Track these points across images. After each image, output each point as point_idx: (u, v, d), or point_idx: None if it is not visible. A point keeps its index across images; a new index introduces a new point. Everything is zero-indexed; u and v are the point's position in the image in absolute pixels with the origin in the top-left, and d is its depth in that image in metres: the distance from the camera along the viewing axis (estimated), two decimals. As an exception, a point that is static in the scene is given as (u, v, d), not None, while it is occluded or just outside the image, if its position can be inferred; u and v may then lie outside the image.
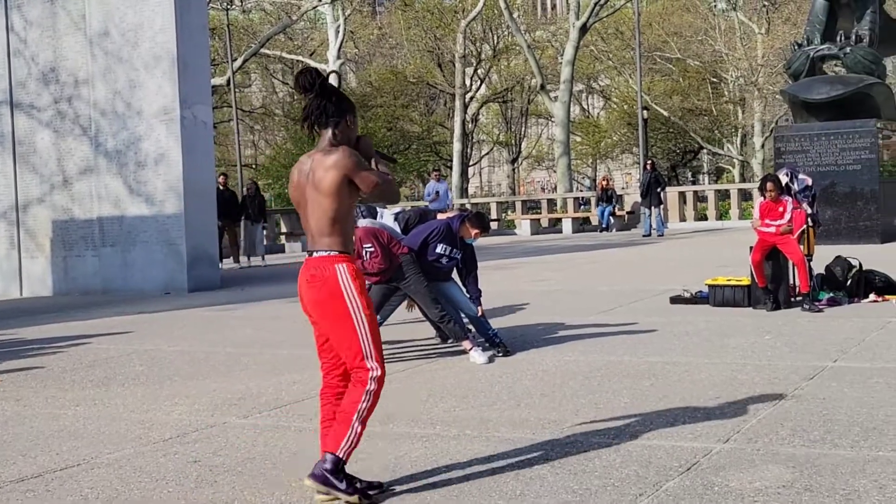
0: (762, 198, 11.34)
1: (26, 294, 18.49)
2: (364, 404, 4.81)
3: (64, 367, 9.56)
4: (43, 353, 10.56)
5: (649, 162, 28.74)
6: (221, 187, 23.76)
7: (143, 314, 13.89)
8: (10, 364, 9.89)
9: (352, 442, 4.79)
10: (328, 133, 4.88)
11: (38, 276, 18.48)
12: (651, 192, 26.44)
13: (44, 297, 17.85)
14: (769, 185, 11.17)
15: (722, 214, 32.56)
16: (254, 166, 59.51)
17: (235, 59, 44.26)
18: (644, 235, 26.31)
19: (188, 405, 7.45)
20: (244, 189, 27.38)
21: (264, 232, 25.50)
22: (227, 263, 23.26)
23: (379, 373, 4.81)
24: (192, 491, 5.20)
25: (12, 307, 16.45)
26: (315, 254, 4.83)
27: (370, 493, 4.87)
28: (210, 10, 34.39)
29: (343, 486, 4.77)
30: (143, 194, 17.39)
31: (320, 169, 4.75)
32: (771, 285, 11.07)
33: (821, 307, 10.88)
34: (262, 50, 48.91)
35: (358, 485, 4.85)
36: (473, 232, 8.95)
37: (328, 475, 4.76)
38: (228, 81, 43.27)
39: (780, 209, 11.02)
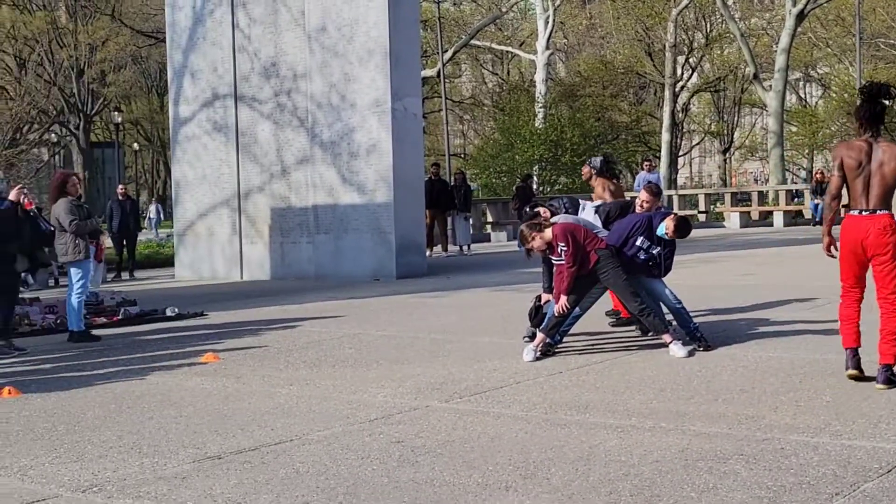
0: None
1: (246, 278, 19.45)
2: None
3: (279, 348, 10.10)
4: (260, 334, 11.18)
5: None
6: (433, 177, 24.27)
7: (354, 299, 14.43)
8: (231, 343, 10.54)
9: None
10: None
11: (258, 261, 19.42)
12: None
13: (262, 281, 18.75)
14: None
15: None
16: (462, 156, 60.36)
17: (446, 51, 45.04)
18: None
19: (393, 388, 7.77)
20: (452, 179, 27.86)
21: (470, 222, 25.87)
22: (436, 252, 23.75)
23: None
24: (395, 469, 5.48)
25: (234, 290, 17.37)
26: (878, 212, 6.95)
27: None
28: (422, 2, 35.11)
29: None
30: (355, 184, 18.03)
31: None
32: None
33: None
34: (472, 41, 49.59)
35: None
36: (668, 223, 8.88)
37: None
38: (439, 73, 44.07)
39: None
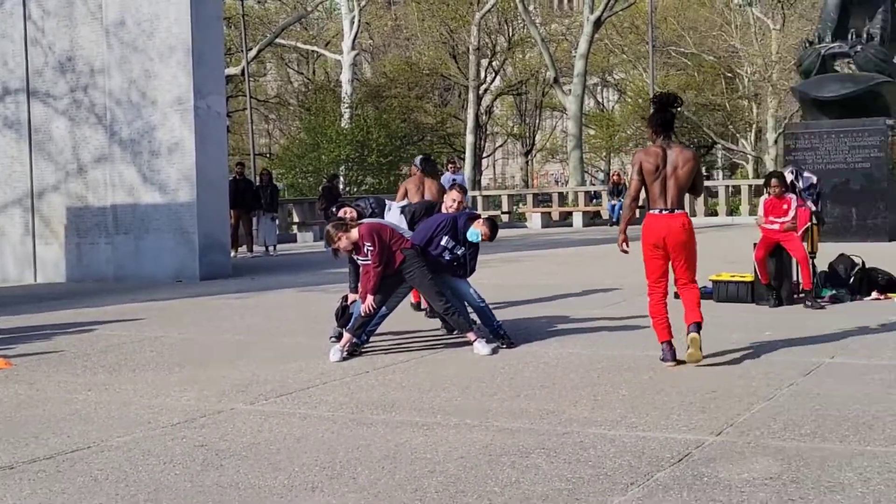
0: (766, 195, 11.43)
1: (40, 280, 18.69)
2: None
3: (76, 352, 9.74)
4: (56, 338, 10.75)
5: None
6: (238, 176, 23.93)
7: (155, 301, 14.07)
8: (24, 348, 10.08)
9: None
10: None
11: (52, 263, 18.68)
12: None
13: (57, 284, 18.06)
14: (773, 182, 11.27)
15: (732, 210, 32.59)
16: (268, 155, 59.70)
17: (250, 49, 44.43)
18: None
19: (196, 391, 7.62)
20: (258, 178, 27.53)
21: (276, 222, 25.64)
22: (241, 252, 23.43)
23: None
24: (199, 474, 5.37)
25: (26, 293, 16.66)
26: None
27: None
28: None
29: None
30: (156, 183, 17.57)
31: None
32: (774, 282, 11.21)
33: (823, 304, 11.00)
34: (277, 40, 49.11)
35: None
36: (482, 229, 9.04)
37: None
38: (243, 71, 43.43)
39: (784, 206, 11.12)
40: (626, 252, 8.01)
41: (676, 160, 7.76)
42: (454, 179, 24.39)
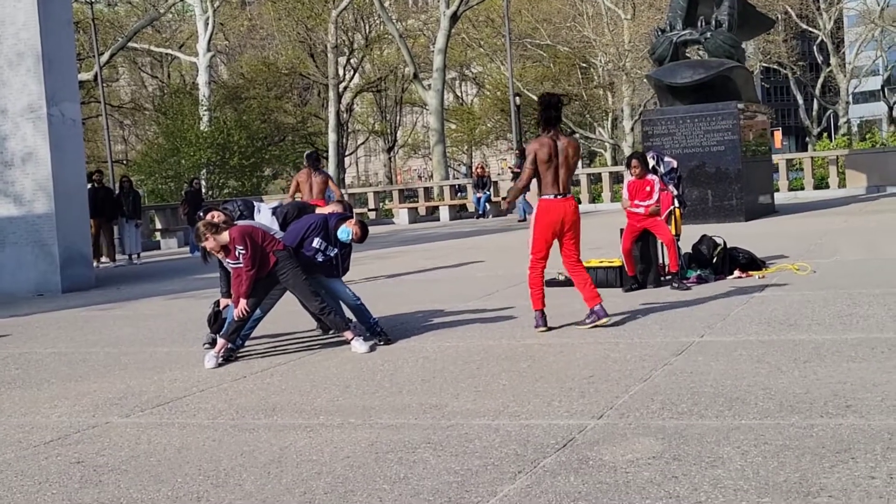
0: (630, 177, 11.61)
1: None
2: None
3: (-64, 374, 9.34)
4: (-88, 361, 10.28)
5: (518, 150, 29.58)
6: (96, 185, 23.32)
7: (16, 317, 13.60)
8: None
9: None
10: None
11: None
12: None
13: None
14: (634, 163, 11.43)
15: (595, 198, 33.23)
16: (125, 162, 58.32)
17: (102, 54, 43.30)
18: (520, 220, 26.81)
19: (68, 407, 7.39)
20: (117, 186, 26.86)
21: (139, 229, 25.07)
22: (104, 262, 22.85)
23: None
24: (77, 492, 5.20)
25: None
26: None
27: None
28: (74, 3, 33.62)
29: None
30: (11, 195, 16.98)
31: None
32: (641, 266, 11.44)
33: (689, 285, 11.29)
34: (130, 43, 48.01)
35: None
36: (353, 228, 9.01)
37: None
38: (95, 76, 42.30)
39: (647, 188, 11.27)
40: (507, 209, 9.59)
41: (566, 150, 8.70)
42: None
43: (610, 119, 57.19)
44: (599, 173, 35.25)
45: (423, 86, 44.97)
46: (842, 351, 7.17)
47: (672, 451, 5.05)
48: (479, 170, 33.73)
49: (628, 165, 11.63)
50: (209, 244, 8.55)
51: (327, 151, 49.26)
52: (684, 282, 11.33)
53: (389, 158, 69.85)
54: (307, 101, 63.00)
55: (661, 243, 11.58)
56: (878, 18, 56.90)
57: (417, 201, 37.03)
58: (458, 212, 33.84)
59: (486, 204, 31.84)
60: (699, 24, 22.04)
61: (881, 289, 9.98)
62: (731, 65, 21.43)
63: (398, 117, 68.13)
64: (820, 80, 64.97)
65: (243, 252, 8.39)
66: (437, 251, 19.28)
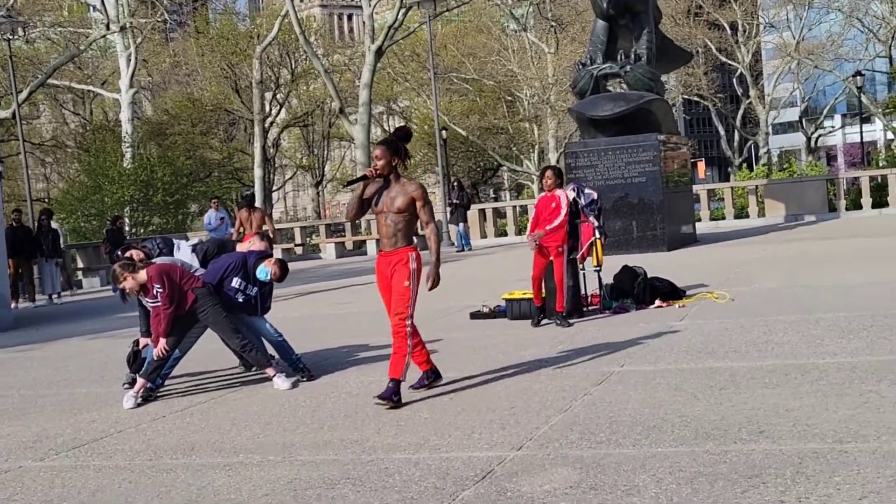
0: (542, 192, 11.22)
1: None
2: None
3: None
4: None
5: (456, 182, 30.18)
6: (15, 224, 22.92)
7: (-69, 360, 13.27)
8: None
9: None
10: None
11: None
12: (458, 209, 28.51)
13: None
14: (548, 174, 11.03)
15: (521, 229, 33.38)
16: (47, 200, 57.38)
17: (21, 91, 42.65)
18: (458, 251, 27.29)
19: (-19, 452, 7.22)
20: (36, 224, 26.39)
21: (59, 268, 24.62)
22: (22, 303, 22.42)
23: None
24: (-13, 538, 5.09)
25: None
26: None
27: None
28: (-8, 40, 33.16)
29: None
30: (-75, 235, 16.62)
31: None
32: (546, 304, 11.25)
33: (571, 322, 11.01)
34: (51, 80, 47.37)
35: None
36: (272, 268, 8.97)
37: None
38: (14, 114, 41.60)
39: (553, 205, 10.89)
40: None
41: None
42: (221, 217, 23.49)
43: (536, 151, 57.71)
44: (525, 205, 35.42)
45: (349, 120, 44.96)
46: (756, 377, 7.29)
47: (589, 481, 5.09)
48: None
49: (541, 177, 11.26)
50: (127, 284, 8.45)
51: (254, 186, 48.97)
52: (567, 320, 10.97)
53: (318, 193, 69.68)
54: (233, 136, 62.66)
55: (583, 272, 11.68)
56: (794, 51, 58.26)
57: (345, 235, 36.93)
58: (386, 246, 33.68)
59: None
60: (619, 57, 22.38)
61: (796, 315, 10.18)
62: (651, 97, 21.77)
63: (326, 151, 68.07)
64: (740, 112, 66.23)
65: (161, 290, 8.30)
66: (361, 286, 19.22)
